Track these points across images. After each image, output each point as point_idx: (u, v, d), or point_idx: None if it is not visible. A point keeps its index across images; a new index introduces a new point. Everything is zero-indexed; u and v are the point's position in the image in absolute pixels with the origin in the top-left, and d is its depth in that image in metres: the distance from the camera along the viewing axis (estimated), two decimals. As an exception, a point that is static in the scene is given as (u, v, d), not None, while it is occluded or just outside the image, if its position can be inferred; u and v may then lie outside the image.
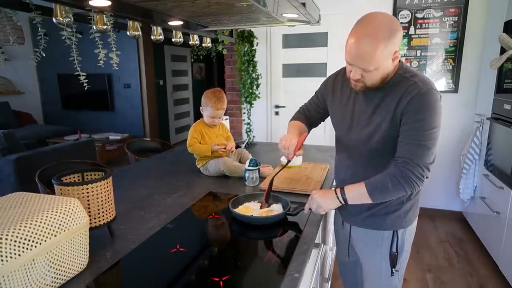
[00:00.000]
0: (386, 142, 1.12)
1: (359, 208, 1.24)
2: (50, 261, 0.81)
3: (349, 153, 1.26)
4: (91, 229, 0.99)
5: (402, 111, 1.07)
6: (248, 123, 3.54)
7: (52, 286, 0.83)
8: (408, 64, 1.18)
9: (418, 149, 1.04)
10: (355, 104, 1.20)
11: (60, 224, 0.83)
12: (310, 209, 1.22)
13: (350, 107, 1.21)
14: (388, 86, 1.11)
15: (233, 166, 1.74)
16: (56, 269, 0.83)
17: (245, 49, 3.31)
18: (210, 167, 1.77)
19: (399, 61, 1.13)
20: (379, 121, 1.12)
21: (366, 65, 1.02)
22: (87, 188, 1.00)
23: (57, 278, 0.84)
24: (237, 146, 2.02)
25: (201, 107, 1.82)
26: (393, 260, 1.25)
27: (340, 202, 1.15)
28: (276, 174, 1.44)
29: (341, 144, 1.31)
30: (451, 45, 3.00)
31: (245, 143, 2.38)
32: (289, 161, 1.28)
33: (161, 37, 1.95)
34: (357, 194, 1.13)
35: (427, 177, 1.07)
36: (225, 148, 1.78)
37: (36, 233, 0.77)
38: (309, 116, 1.44)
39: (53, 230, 0.82)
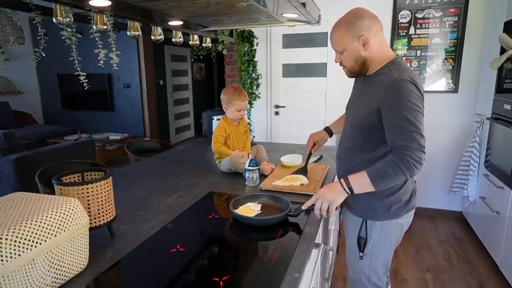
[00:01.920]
0: (363, 126, 1.24)
1: None
2: (50, 261, 0.81)
3: (343, 134, 1.40)
4: (91, 229, 0.99)
5: (379, 101, 1.15)
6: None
7: (52, 286, 0.83)
8: (408, 64, 1.24)
9: (408, 135, 1.10)
10: (355, 91, 1.37)
11: (60, 224, 0.83)
12: (321, 215, 1.20)
13: (354, 93, 1.39)
14: (373, 77, 1.24)
15: (238, 163, 1.76)
16: (56, 269, 0.83)
17: (245, 49, 3.31)
18: (223, 165, 1.84)
19: (397, 58, 1.21)
20: (361, 107, 1.25)
21: (335, 47, 1.24)
22: (87, 188, 1.00)
23: (57, 278, 0.84)
24: (253, 144, 2.09)
25: (224, 106, 1.88)
26: (360, 245, 1.33)
27: (347, 192, 1.17)
28: (307, 159, 1.73)
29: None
30: (451, 45, 3.00)
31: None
32: (309, 156, 1.72)
33: (161, 37, 1.94)
34: (361, 183, 1.16)
35: (424, 159, 1.12)
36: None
37: (36, 233, 0.77)
38: None
39: (53, 230, 0.81)
